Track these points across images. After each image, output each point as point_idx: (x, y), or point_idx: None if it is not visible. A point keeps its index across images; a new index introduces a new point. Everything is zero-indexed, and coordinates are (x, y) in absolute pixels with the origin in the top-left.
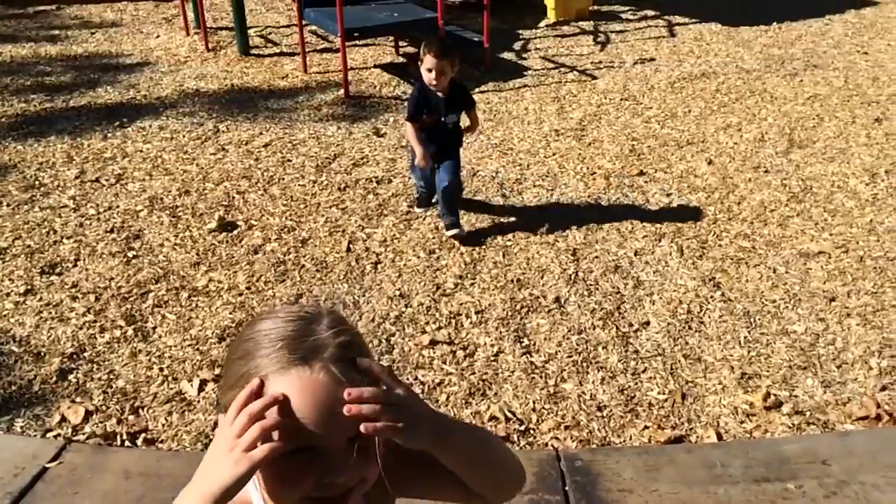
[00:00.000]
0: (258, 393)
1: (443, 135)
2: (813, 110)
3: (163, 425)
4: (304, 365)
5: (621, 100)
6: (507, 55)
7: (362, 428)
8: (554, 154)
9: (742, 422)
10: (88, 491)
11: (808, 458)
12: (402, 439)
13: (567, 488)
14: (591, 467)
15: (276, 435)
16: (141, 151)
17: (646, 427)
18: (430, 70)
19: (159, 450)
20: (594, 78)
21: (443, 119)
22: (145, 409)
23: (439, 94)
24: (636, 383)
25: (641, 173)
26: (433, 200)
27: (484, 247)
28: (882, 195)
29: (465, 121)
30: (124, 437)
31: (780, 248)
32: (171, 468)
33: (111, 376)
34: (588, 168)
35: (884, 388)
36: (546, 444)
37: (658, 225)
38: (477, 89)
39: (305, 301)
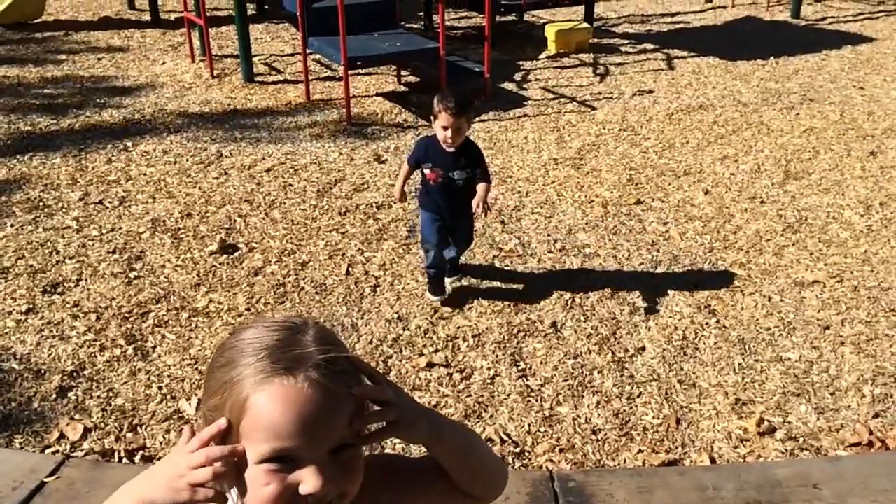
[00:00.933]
0: (224, 435)
1: (453, 192)
2: (809, 143)
3: (160, 443)
4: (287, 375)
5: (620, 130)
6: (508, 85)
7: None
8: (552, 182)
9: (736, 447)
10: None
11: (800, 481)
12: (403, 437)
13: None
14: (584, 488)
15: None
16: (145, 174)
17: (640, 451)
18: (445, 128)
19: None
20: (593, 109)
21: (450, 174)
22: (143, 426)
23: (448, 148)
24: (631, 408)
25: (639, 202)
26: (450, 281)
27: (481, 272)
28: (876, 226)
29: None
30: (122, 454)
31: (776, 276)
32: None
33: (110, 394)
34: (586, 196)
35: (876, 416)
36: (541, 467)
37: (654, 252)
38: (477, 118)
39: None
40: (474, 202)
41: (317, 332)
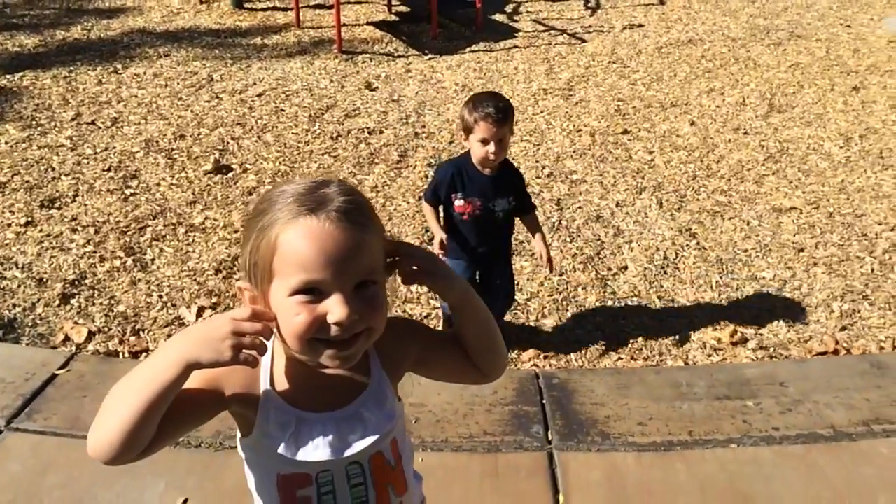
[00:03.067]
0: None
1: (492, 229)
2: (794, 78)
3: None
4: (310, 215)
5: (609, 62)
6: (499, 17)
7: (402, 277)
8: (542, 112)
9: (710, 355)
10: (97, 395)
11: (768, 380)
12: (439, 289)
13: (544, 401)
14: (566, 384)
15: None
16: (136, 97)
17: (619, 358)
18: (485, 141)
19: None
20: (583, 41)
21: (490, 205)
22: (146, 331)
23: (485, 171)
24: (612, 320)
25: (626, 132)
26: None
27: None
28: (854, 158)
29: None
30: (126, 355)
31: (755, 203)
32: None
33: (112, 301)
34: (574, 125)
35: (843, 329)
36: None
37: (639, 179)
38: (468, 48)
39: None
40: (541, 257)
41: (340, 184)
